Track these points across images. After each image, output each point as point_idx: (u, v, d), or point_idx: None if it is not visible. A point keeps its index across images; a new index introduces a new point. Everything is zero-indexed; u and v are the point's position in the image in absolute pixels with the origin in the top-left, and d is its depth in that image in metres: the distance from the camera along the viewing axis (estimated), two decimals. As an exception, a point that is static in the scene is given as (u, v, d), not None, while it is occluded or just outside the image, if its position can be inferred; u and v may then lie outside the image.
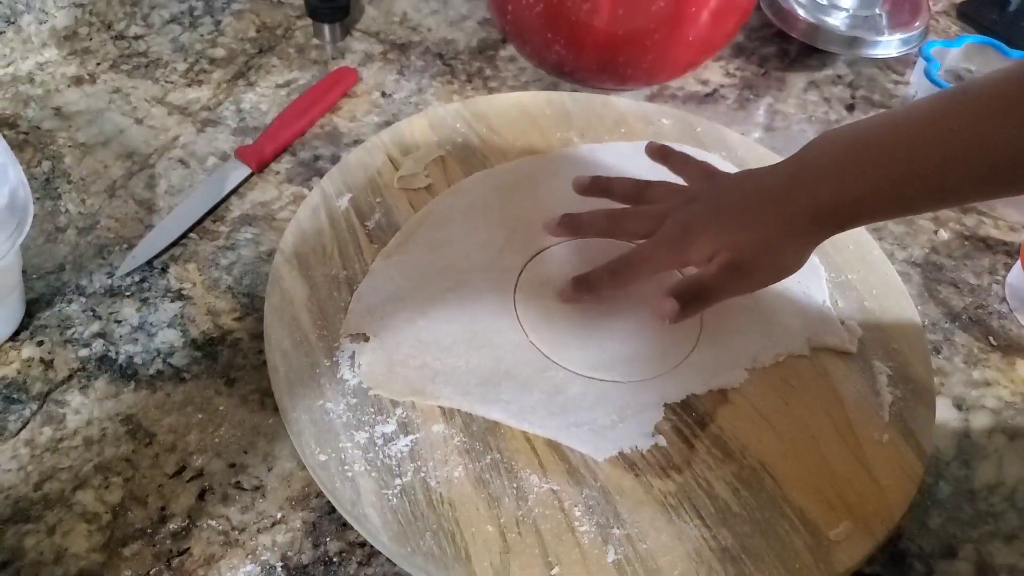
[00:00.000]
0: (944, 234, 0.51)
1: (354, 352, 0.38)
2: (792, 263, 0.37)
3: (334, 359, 0.38)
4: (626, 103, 0.51)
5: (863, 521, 0.34)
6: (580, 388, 0.37)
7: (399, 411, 0.36)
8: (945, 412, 0.42)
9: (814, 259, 0.43)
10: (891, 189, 0.34)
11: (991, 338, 0.46)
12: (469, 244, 0.43)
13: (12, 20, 0.57)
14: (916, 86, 0.60)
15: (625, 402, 0.37)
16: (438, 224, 0.43)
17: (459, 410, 0.36)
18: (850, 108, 0.59)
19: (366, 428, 0.35)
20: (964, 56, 0.61)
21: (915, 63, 0.60)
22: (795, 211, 0.36)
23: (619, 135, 0.49)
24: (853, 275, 0.43)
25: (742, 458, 0.36)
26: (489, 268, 0.42)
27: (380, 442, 0.35)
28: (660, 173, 0.47)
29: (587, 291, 0.40)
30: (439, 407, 0.36)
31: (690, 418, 0.37)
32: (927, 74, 0.56)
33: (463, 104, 0.50)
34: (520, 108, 0.50)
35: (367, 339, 0.38)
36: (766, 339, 0.40)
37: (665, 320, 0.37)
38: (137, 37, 0.60)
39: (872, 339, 0.41)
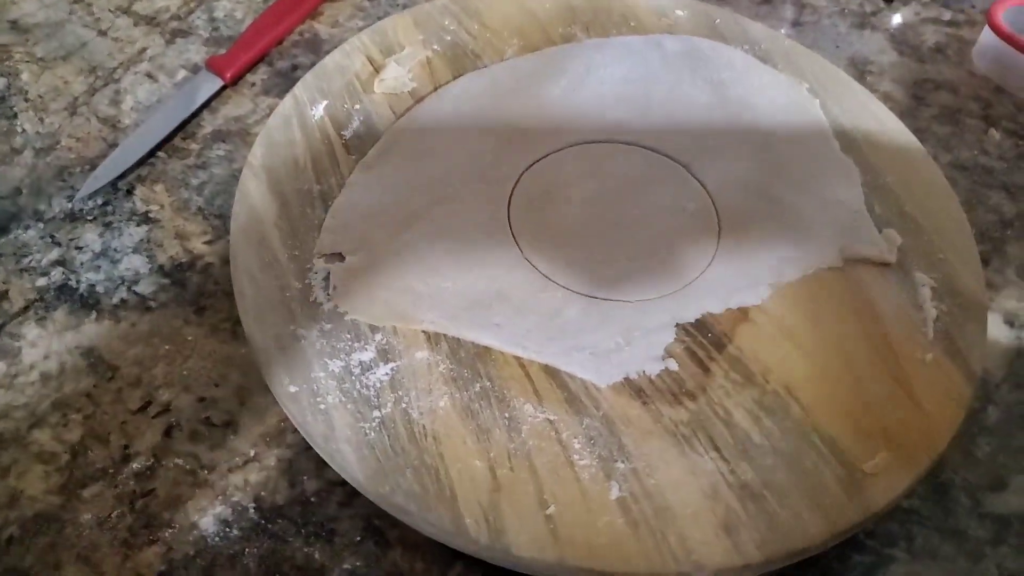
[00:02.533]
0: (996, 134, 0.45)
1: (328, 273, 0.34)
2: None
3: (306, 281, 0.34)
4: (636, -6, 0.45)
5: (903, 451, 0.30)
6: (581, 309, 0.33)
7: (378, 337, 0.32)
8: (996, 329, 0.38)
9: (847, 160, 0.38)
10: None
11: (1049, 247, 0.41)
12: (458, 152, 0.38)
13: (-41, -77, 0.52)
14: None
15: (632, 323, 0.33)
16: (423, 131, 0.39)
17: (445, 335, 0.32)
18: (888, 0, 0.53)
19: (341, 356, 0.32)
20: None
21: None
22: None
23: (628, 29, 0.44)
24: (892, 177, 0.38)
25: (764, 382, 0.32)
26: (480, 179, 0.37)
27: (357, 371, 0.31)
28: (676, 69, 0.42)
29: None
30: (423, 332, 0.32)
31: (705, 339, 0.33)
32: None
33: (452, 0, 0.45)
34: (517, 2, 0.45)
35: (343, 259, 0.34)
36: (793, 251, 0.35)
37: None
38: (98, -60, 0.55)
39: (914, 248, 0.36)
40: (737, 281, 0.34)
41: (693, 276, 0.34)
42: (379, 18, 0.50)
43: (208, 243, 0.40)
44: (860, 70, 0.48)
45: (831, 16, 0.51)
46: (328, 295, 0.33)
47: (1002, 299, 0.39)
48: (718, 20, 0.44)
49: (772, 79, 0.41)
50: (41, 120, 0.45)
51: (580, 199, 0.37)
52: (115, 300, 0.38)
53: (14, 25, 0.50)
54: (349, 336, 0.32)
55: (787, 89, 0.41)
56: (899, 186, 0.38)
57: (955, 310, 0.34)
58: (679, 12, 0.45)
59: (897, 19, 0.52)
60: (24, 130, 0.45)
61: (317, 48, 0.49)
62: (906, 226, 0.36)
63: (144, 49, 0.49)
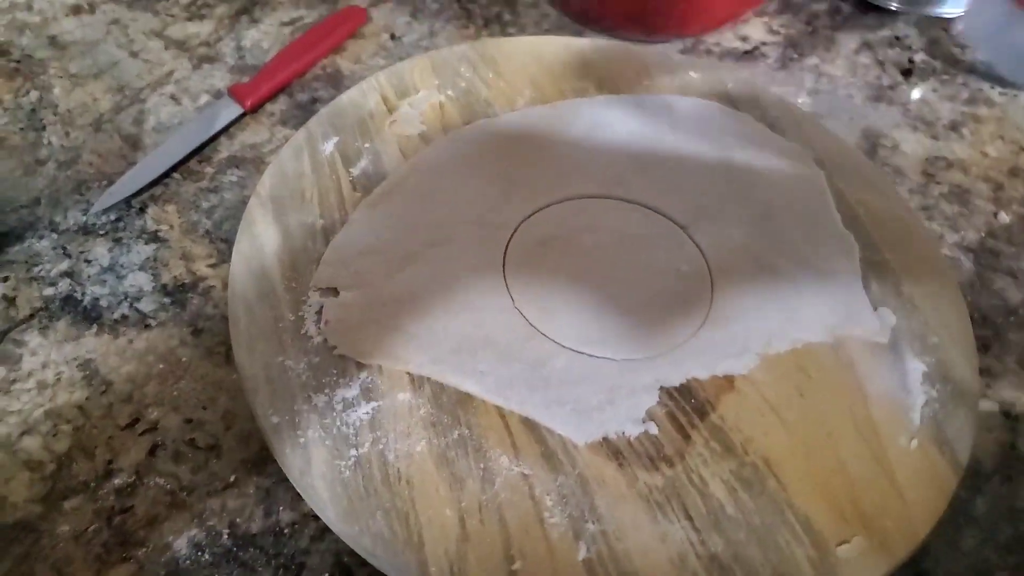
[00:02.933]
0: (1005, 217, 0.45)
1: (322, 307, 0.35)
2: None
3: (300, 313, 0.34)
4: (651, 53, 0.46)
5: (880, 537, 0.30)
6: (566, 362, 0.33)
7: (364, 375, 0.33)
8: (991, 418, 0.37)
9: (848, 234, 0.38)
10: None
11: (1050, 337, 0.40)
12: (460, 197, 0.39)
13: (11, -59, 0.54)
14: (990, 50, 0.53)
15: (616, 382, 0.33)
16: (429, 174, 0.40)
17: (429, 378, 0.33)
18: (906, 73, 0.53)
19: (325, 391, 0.32)
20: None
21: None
22: None
23: (641, 88, 0.44)
24: (892, 255, 0.38)
25: (744, 454, 0.31)
26: (480, 224, 0.38)
27: (339, 407, 0.32)
28: (683, 130, 0.42)
29: None
30: (408, 373, 0.33)
31: (688, 405, 0.33)
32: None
33: (471, 46, 0.46)
34: (533, 54, 0.46)
35: (337, 293, 0.35)
36: (784, 322, 0.35)
37: None
38: (140, -35, 0.57)
39: (908, 330, 0.36)
40: (725, 348, 0.34)
41: (682, 339, 0.35)
42: (401, 58, 0.51)
43: (212, 266, 0.41)
44: (873, 142, 0.48)
45: (848, 87, 0.52)
46: (319, 328, 0.34)
47: (1000, 387, 0.39)
48: (730, 84, 0.45)
49: (779, 147, 0.42)
50: (67, 134, 0.47)
51: (576, 252, 0.37)
52: (116, 315, 0.39)
53: (53, 41, 0.52)
54: (335, 371, 0.33)
55: (793, 159, 0.41)
56: (898, 265, 0.38)
57: (945, 397, 0.34)
58: (693, 74, 0.45)
59: (915, 94, 0.52)
60: (50, 143, 0.46)
61: (338, 83, 0.50)
62: (902, 306, 0.36)
63: (171, 72, 0.51)
